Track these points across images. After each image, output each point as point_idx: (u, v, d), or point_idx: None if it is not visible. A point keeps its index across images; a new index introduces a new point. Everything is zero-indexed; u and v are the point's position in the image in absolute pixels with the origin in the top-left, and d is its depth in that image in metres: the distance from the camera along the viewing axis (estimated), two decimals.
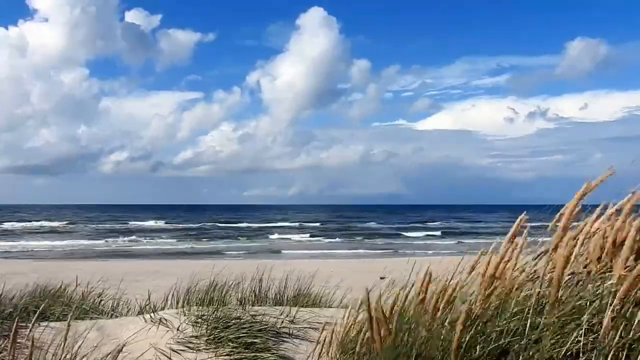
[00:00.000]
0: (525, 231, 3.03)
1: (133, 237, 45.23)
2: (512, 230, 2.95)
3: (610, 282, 2.64)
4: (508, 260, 2.89)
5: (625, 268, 2.61)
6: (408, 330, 2.82)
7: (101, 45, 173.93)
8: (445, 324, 2.74)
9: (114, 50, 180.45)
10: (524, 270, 3.04)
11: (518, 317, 2.70)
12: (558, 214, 3.02)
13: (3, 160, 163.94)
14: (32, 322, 3.02)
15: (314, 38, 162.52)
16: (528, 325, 2.61)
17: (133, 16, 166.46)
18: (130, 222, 65.38)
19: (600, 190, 3.04)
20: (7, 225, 57.32)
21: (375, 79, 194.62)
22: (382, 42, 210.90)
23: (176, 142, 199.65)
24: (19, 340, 3.56)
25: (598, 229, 2.99)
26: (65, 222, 62.99)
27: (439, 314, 2.80)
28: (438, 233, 53.00)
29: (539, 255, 3.13)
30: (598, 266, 2.86)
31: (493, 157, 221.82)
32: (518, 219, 2.99)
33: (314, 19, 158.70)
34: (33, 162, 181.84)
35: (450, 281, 3.09)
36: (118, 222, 64.89)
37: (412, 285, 3.14)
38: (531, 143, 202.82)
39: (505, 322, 2.70)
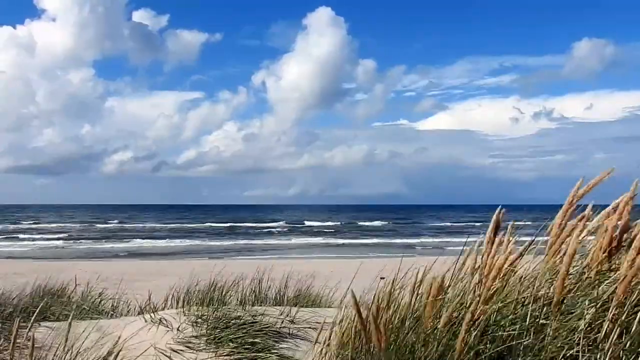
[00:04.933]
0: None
1: (133, 237, 45.22)
2: (490, 225, 2.89)
3: (611, 286, 2.61)
4: (505, 260, 2.87)
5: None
6: (407, 331, 2.81)
7: (108, 45, 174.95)
8: (443, 325, 2.72)
9: (121, 50, 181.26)
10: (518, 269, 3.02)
11: (519, 318, 2.68)
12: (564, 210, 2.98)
13: (7, 160, 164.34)
14: (32, 321, 3.01)
15: (321, 38, 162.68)
16: (527, 327, 2.60)
17: (140, 16, 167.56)
18: (131, 222, 65.40)
19: (601, 191, 3.03)
20: (8, 225, 57.31)
21: (381, 78, 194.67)
22: (388, 42, 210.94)
23: (180, 142, 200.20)
24: (18, 341, 3.56)
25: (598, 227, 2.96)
26: (66, 222, 63.01)
27: (442, 315, 2.79)
28: (440, 233, 52.94)
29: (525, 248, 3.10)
30: (598, 268, 2.84)
31: (495, 157, 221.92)
32: (495, 214, 2.92)
33: (321, 19, 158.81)
34: (37, 162, 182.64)
35: (450, 281, 3.08)
36: (119, 222, 64.88)
37: (412, 285, 3.13)
38: (533, 143, 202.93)
39: (506, 323, 2.69)
